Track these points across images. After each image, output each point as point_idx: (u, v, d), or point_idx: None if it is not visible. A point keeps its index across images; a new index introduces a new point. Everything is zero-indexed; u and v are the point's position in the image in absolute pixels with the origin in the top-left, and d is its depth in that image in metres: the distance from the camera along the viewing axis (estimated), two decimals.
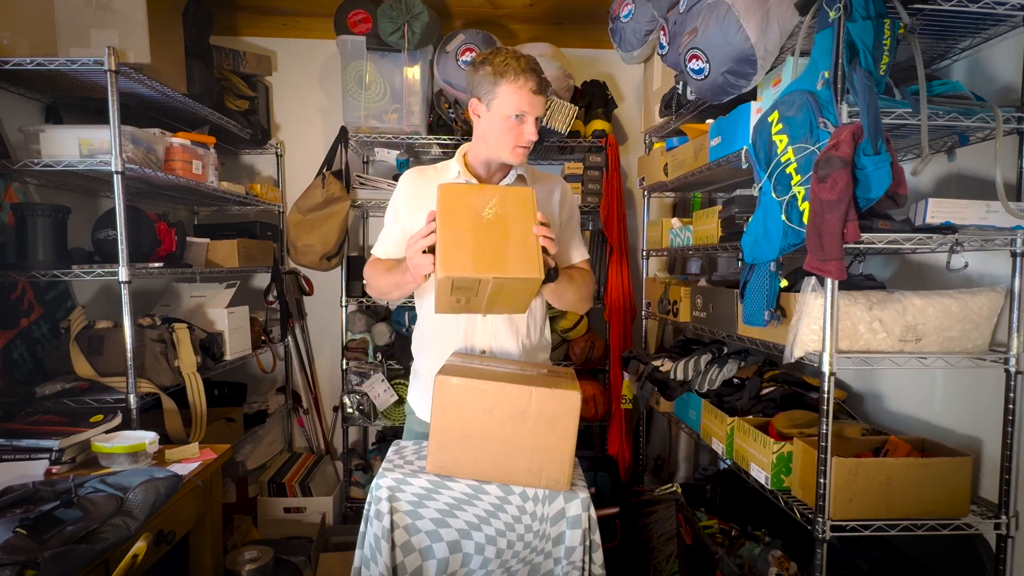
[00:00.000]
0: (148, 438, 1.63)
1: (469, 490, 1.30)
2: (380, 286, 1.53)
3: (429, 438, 1.30)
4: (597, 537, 1.31)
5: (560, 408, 1.24)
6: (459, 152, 1.56)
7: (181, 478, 1.52)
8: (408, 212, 1.54)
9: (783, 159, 1.41)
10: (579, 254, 1.63)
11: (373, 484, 1.31)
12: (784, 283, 1.53)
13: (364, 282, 1.62)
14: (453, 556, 1.31)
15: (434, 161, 2.90)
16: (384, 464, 1.37)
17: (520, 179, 1.55)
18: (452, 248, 1.25)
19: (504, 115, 1.42)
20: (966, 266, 1.41)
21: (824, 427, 1.40)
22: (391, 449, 1.47)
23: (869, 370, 1.95)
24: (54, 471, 1.52)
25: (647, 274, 2.83)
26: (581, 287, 1.55)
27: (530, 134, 1.44)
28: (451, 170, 1.54)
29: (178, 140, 2.08)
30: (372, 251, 1.61)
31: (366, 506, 1.32)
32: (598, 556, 1.31)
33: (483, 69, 1.43)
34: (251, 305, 2.56)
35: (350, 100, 2.59)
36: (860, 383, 2.01)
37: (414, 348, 1.65)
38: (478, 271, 1.23)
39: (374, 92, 2.59)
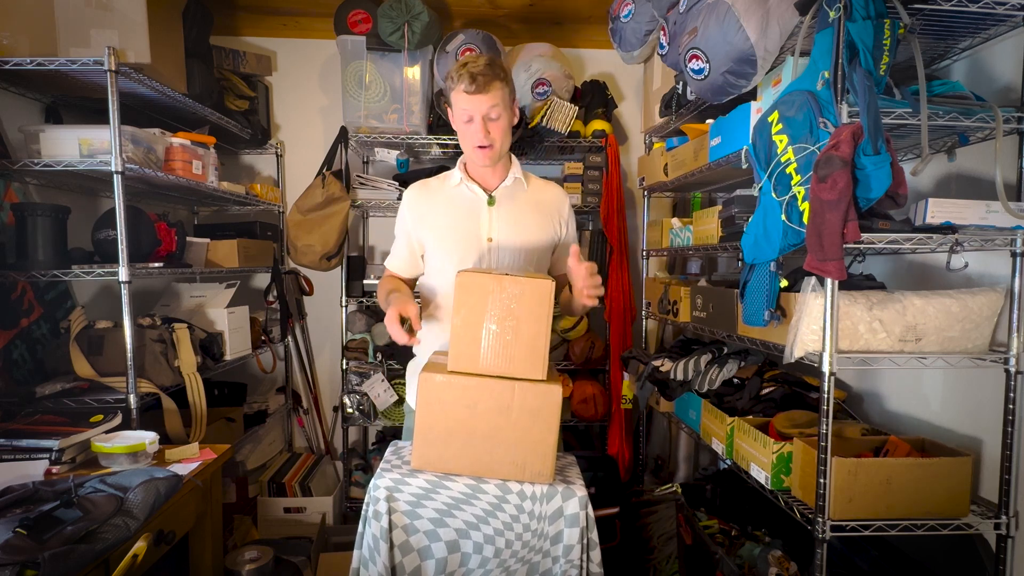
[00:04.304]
0: (148, 438, 1.63)
1: (467, 489, 1.30)
2: (381, 304, 1.61)
3: (414, 434, 1.30)
4: (595, 535, 1.31)
5: (542, 402, 1.26)
6: (460, 160, 1.61)
7: (181, 478, 1.52)
8: (415, 225, 1.59)
9: (783, 159, 1.41)
10: None
11: (371, 484, 1.31)
12: (784, 283, 1.53)
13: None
14: (452, 556, 1.32)
15: (434, 161, 2.95)
16: (382, 464, 1.37)
17: (517, 183, 1.57)
18: (462, 344, 1.28)
19: (459, 120, 1.47)
20: (966, 266, 1.41)
21: (824, 427, 1.41)
22: (389, 449, 1.48)
23: (869, 370, 1.95)
24: (54, 471, 1.52)
25: (647, 274, 2.83)
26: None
27: (476, 135, 1.44)
28: (453, 177, 1.59)
29: (178, 140, 2.08)
30: (385, 263, 1.69)
31: (364, 506, 1.32)
32: (596, 555, 1.32)
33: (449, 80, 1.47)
34: (251, 305, 2.56)
35: (350, 100, 2.58)
36: (860, 383, 2.01)
37: (414, 347, 1.65)
38: (484, 370, 1.28)
39: (374, 92, 2.59)
